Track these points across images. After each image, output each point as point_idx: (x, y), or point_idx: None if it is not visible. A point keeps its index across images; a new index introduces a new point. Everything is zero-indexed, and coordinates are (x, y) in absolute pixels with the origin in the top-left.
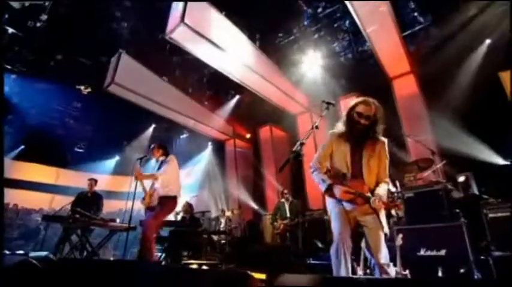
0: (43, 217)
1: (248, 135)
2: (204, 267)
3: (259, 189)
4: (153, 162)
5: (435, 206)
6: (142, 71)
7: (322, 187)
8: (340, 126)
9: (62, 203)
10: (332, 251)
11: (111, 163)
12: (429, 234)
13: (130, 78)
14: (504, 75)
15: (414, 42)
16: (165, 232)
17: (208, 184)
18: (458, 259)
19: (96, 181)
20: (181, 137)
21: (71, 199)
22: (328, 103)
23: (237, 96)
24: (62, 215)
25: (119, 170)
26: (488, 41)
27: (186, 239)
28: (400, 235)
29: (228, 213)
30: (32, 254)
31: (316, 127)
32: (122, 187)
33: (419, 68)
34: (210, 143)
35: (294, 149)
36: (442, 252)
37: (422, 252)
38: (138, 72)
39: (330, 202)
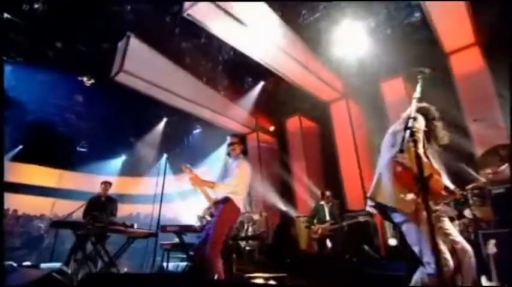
0: (52, 224)
1: (272, 128)
2: (272, 282)
3: (288, 188)
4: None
5: None
6: (154, 56)
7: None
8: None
9: (64, 208)
10: None
11: (117, 162)
12: None
13: (141, 65)
14: None
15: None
16: (188, 238)
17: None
18: None
19: (110, 184)
20: (194, 132)
21: (75, 203)
22: (427, 69)
23: (261, 83)
24: (76, 221)
25: (126, 171)
26: None
27: None
28: (493, 241)
29: (255, 216)
30: (44, 265)
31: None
32: (130, 189)
33: (487, 39)
34: (228, 137)
35: (409, 125)
36: None
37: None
38: (149, 58)
39: None
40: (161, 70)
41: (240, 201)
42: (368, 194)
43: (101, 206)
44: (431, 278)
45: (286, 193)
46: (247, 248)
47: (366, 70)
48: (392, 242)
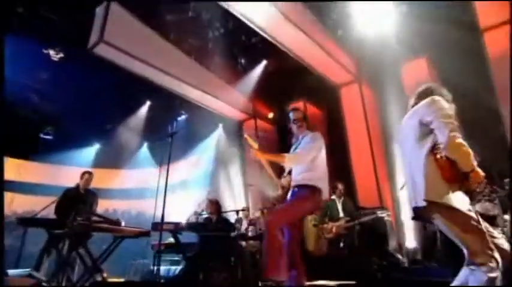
0: (20, 221)
1: (271, 115)
2: None
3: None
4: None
5: None
6: (138, 26)
7: (467, 167)
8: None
9: (25, 204)
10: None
11: (89, 152)
12: None
13: (123, 35)
14: None
15: None
16: (184, 238)
17: (223, 176)
18: None
19: (92, 175)
20: (179, 119)
21: (38, 199)
22: None
23: (262, 63)
24: (45, 218)
25: (101, 162)
26: None
27: (218, 248)
28: None
29: (256, 214)
30: (12, 272)
31: None
32: (106, 183)
33: None
34: (221, 125)
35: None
36: None
37: None
38: (132, 28)
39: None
40: (146, 42)
41: (321, 184)
42: (423, 198)
43: (80, 200)
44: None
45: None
46: (249, 249)
47: (384, 50)
48: (411, 244)
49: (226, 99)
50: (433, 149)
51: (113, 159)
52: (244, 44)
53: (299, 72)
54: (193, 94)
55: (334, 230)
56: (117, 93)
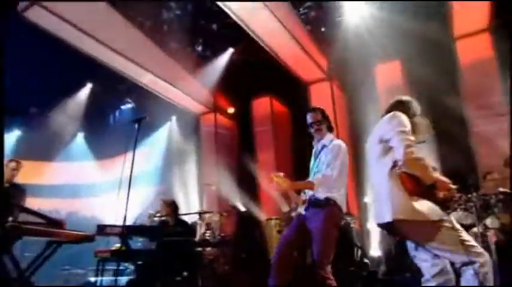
0: None
1: (231, 110)
2: None
3: (251, 184)
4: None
5: None
6: None
7: (428, 180)
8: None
9: None
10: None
11: (8, 140)
12: None
13: None
14: None
15: None
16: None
17: (175, 173)
18: None
19: (20, 164)
20: (124, 107)
21: None
22: None
23: (228, 51)
24: None
25: (23, 152)
26: None
27: (176, 255)
28: None
29: (215, 217)
30: None
31: None
32: (29, 177)
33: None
34: (174, 117)
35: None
36: None
37: None
38: None
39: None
40: (90, 11)
41: (343, 200)
42: (395, 216)
43: (4, 196)
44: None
45: (249, 189)
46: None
47: (359, 50)
48: (375, 252)
49: (184, 89)
50: (395, 165)
51: (38, 149)
52: (209, 29)
53: (267, 65)
54: (145, 79)
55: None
56: (50, 71)
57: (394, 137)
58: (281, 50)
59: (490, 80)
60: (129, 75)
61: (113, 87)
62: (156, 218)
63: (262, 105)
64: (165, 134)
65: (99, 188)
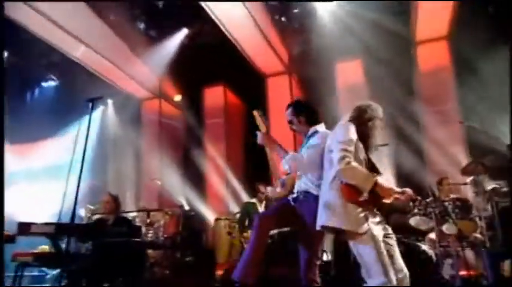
0: None
1: (178, 98)
2: None
3: (197, 180)
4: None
5: None
6: None
7: (364, 188)
8: None
9: None
10: None
11: None
12: None
13: None
14: None
15: None
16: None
17: (110, 165)
18: None
19: None
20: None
21: None
22: None
23: (180, 33)
24: None
25: None
26: None
27: (119, 258)
28: (507, 263)
29: (159, 216)
30: None
31: None
32: None
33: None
34: (110, 101)
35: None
36: None
37: None
38: None
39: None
40: None
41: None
42: (324, 222)
43: None
44: None
45: (196, 185)
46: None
47: (321, 45)
48: (324, 257)
49: (126, 69)
50: (335, 176)
51: None
52: (161, 5)
53: (223, 51)
54: (78, 52)
55: None
56: None
57: (334, 148)
58: (242, 36)
59: (446, 87)
60: (57, 45)
61: (33, 58)
62: (95, 216)
63: (215, 95)
64: (97, 120)
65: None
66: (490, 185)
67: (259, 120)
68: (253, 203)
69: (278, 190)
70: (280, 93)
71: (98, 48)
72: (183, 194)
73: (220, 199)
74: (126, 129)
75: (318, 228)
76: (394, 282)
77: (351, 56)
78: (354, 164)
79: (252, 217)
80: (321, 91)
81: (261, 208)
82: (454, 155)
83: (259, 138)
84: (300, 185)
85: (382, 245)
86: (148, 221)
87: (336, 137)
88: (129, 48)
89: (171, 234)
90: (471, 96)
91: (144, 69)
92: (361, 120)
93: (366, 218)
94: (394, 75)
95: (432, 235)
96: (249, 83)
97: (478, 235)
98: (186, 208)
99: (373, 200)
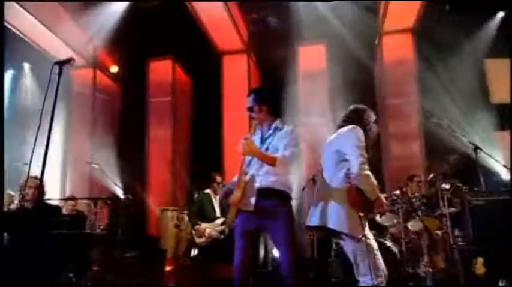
0: None
1: (114, 69)
2: None
3: (138, 166)
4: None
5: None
6: None
7: (372, 196)
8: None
9: None
10: None
11: None
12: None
13: None
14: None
15: None
16: None
17: (27, 145)
18: None
19: None
20: None
21: None
22: None
23: None
24: None
25: None
26: None
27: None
28: (481, 260)
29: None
30: None
31: None
32: None
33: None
34: (27, 64)
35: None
36: None
37: (500, 284)
38: None
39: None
40: None
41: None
42: (316, 222)
43: None
44: None
45: (136, 171)
46: None
47: (283, 27)
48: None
49: (55, 30)
50: (346, 176)
51: None
52: None
53: (175, 20)
54: None
55: (207, 233)
56: None
57: (351, 153)
58: (199, 4)
59: (407, 80)
60: None
61: None
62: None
63: (162, 70)
64: (7, 87)
65: None
66: (445, 184)
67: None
68: (208, 194)
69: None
70: (237, 73)
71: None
72: (120, 180)
73: (164, 187)
74: (48, 101)
75: (310, 224)
76: (384, 281)
77: (315, 40)
78: (369, 171)
79: (206, 209)
80: (280, 74)
81: (215, 200)
82: (412, 149)
83: (242, 146)
84: (261, 181)
85: (375, 247)
86: (74, 211)
87: (351, 141)
88: (64, 10)
89: (108, 226)
90: (433, 91)
91: (78, 33)
92: (362, 123)
93: (363, 224)
94: (357, 63)
95: (393, 230)
96: (202, 60)
97: (439, 232)
98: (122, 196)
99: (367, 208)
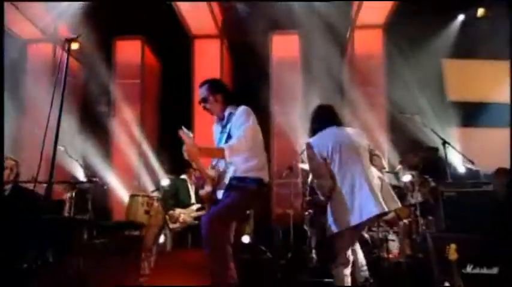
0: None
1: (75, 46)
2: None
3: (101, 148)
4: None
5: (480, 211)
6: None
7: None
8: None
9: None
10: None
11: None
12: (476, 246)
13: None
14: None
15: None
16: None
17: None
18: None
19: None
20: None
21: None
22: None
23: None
24: None
25: None
26: None
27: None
28: (453, 247)
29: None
30: None
31: None
32: None
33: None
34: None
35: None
36: (494, 270)
37: (469, 269)
38: None
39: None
40: None
41: (266, 174)
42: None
43: None
44: None
45: (98, 155)
46: None
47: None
48: (246, 239)
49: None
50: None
51: None
52: None
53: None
54: None
55: (181, 218)
56: None
57: (376, 150)
58: None
59: (376, 74)
60: None
61: None
62: None
63: (130, 50)
64: None
65: None
66: (406, 176)
67: (184, 137)
68: (183, 180)
69: (206, 188)
70: (209, 58)
71: None
72: (82, 163)
73: (131, 171)
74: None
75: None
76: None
77: (289, 29)
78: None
79: (181, 195)
80: (253, 61)
81: (191, 186)
82: (379, 140)
83: (188, 153)
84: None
85: None
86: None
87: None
88: None
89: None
90: (399, 86)
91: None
92: None
93: None
94: (329, 55)
95: None
96: (173, 42)
97: (406, 221)
98: (83, 179)
99: None
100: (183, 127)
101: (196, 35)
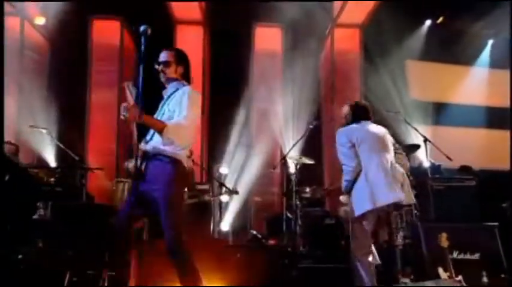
0: None
1: (41, 20)
2: None
3: (75, 133)
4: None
5: (465, 202)
6: None
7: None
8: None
9: None
10: None
11: None
12: (461, 235)
13: None
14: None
15: None
16: None
17: None
18: (493, 263)
19: None
20: None
21: None
22: None
23: None
24: None
25: None
26: None
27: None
28: (445, 235)
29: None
30: None
31: None
32: None
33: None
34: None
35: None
36: (476, 256)
37: (454, 255)
38: None
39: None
40: None
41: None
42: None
43: None
44: None
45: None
46: None
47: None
48: (225, 227)
49: None
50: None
51: None
52: None
53: None
54: None
55: None
56: None
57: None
58: None
59: (352, 71)
60: None
61: None
62: None
63: (108, 32)
64: None
65: None
66: None
67: (127, 93)
68: None
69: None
70: (191, 45)
71: None
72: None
73: (109, 157)
74: None
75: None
76: None
77: (272, 21)
78: None
79: None
80: (235, 51)
81: None
82: None
83: (129, 114)
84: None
85: None
86: None
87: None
88: None
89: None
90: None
91: None
92: None
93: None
94: (309, 50)
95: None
96: (154, 25)
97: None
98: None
99: None
100: (129, 84)
101: (180, 20)
